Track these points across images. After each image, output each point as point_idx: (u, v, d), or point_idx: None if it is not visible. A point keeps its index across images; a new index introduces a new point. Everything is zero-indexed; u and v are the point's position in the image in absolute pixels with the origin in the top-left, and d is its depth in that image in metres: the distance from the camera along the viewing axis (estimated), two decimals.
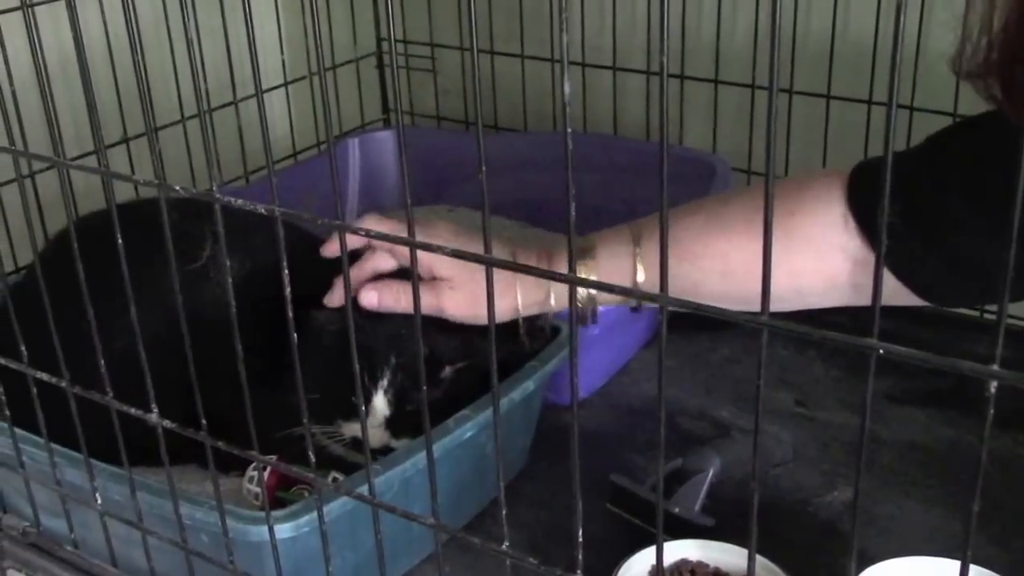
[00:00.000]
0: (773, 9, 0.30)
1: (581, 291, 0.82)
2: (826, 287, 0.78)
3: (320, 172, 1.30)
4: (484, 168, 0.42)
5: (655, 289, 0.75)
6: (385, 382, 0.81)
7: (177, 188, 0.56)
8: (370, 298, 0.80)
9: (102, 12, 1.14)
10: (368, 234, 0.48)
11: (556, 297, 0.84)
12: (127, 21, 0.56)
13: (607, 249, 0.82)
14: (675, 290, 0.78)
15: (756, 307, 0.84)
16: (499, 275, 0.80)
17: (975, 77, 0.65)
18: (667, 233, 0.37)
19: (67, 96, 1.06)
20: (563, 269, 0.81)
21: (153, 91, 1.17)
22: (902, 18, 0.28)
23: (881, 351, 0.32)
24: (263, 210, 0.52)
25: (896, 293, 0.76)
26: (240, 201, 0.53)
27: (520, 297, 0.82)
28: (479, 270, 0.79)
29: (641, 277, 0.80)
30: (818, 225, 0.77)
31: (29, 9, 0.61)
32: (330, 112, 0.49)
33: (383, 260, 0.83)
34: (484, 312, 0.82)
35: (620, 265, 0.80)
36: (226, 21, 1.19)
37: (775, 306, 0.82)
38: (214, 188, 0.54)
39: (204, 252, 0.83)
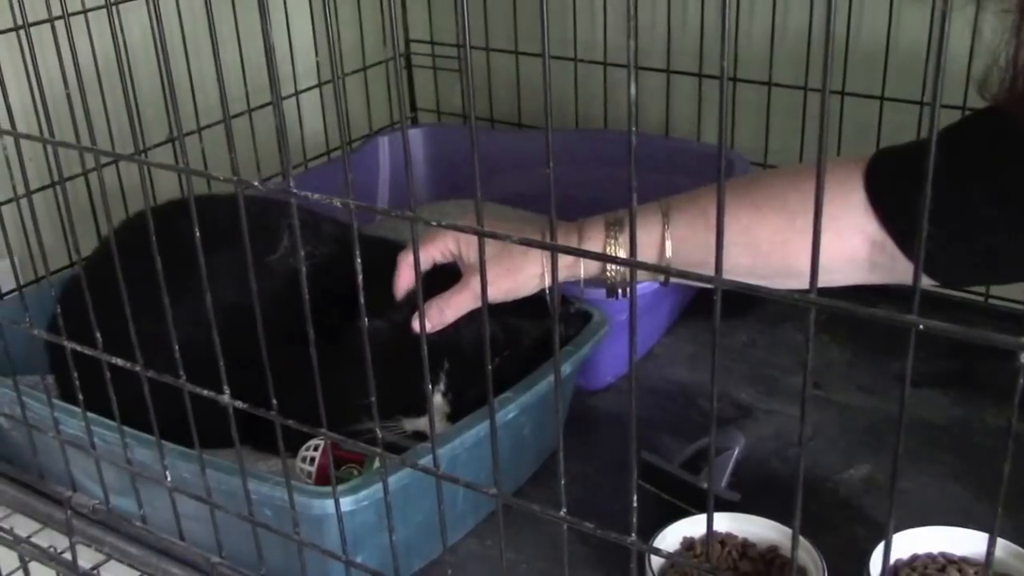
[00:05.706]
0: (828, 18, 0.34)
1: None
2: (846, 265, 0.83)
3: (353, 169, 1.34)
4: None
5: (683, 262, 0.79)
6: (443, 385, 0.86)
7: (255, 183, 0.60)
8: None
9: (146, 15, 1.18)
10: (439, 224, 0.53)
11: (586, 265, 0.86)
12: (208, 20, 0.60)
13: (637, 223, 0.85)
14: (695, 260, 0.83)
15: (779, 282, 0.90)
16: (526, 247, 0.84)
17: (1003, 103, 0.71)
18: (723, 219, 0.41)
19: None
20: (594, 242, 0.85)
21: (195, 91, 1.22)
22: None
23: (921, 326, 0.37)
24: (338, 203, 0.56)
25: (908, 274, 0.82)
26: (316, 196, 0.57)
27: (546, 263, 0.84)
28: (503, 249, 0.83)
29: (669, 251, 0.84)
30: (841, 207, 0.82)
31: (114, 7, 0.65)
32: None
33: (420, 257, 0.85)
34: (518, 285, 0.86)
35: (650, 239, 0.84)
36: (267, 24, 1.23)
37: (799, 281, 0.87)
38: (291, 184, 0.58)
39: (280, 244, 0.88)
